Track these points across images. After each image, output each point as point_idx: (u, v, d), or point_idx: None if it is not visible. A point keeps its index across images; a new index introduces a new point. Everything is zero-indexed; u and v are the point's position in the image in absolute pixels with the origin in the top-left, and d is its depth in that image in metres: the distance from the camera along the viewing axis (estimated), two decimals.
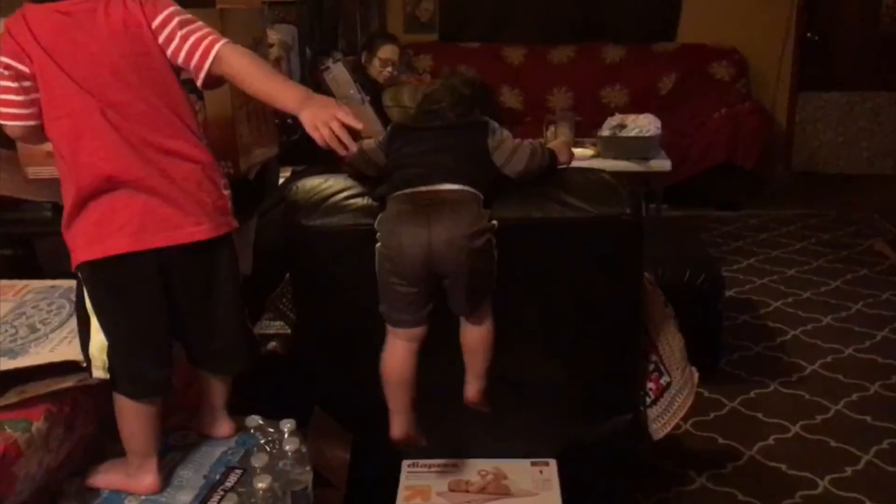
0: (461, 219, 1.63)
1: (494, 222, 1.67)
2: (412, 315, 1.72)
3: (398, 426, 1.82)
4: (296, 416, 1.93)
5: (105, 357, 1.42)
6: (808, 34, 5.73)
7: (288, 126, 2.44)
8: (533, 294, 1.82)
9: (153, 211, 1.42)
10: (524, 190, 1.76)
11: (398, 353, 1.77)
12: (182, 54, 1.44)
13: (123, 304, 1.42)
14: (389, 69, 3.93)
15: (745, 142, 4.97)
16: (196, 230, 1.46)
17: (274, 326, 2.05)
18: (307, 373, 2.00)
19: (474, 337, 1.76)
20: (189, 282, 1.49)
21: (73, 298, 1.55)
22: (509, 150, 1.76)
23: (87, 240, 1.41)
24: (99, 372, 1.42)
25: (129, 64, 1.43)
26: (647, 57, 5.72)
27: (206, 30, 1.48)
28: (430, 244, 1.63)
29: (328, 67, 3.26)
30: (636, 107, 5.34)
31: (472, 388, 1.80)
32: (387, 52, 3.91)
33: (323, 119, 1.43)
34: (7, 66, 1.42)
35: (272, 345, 2.03)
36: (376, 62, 3.86)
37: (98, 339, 1.42)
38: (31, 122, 1.46)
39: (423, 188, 1.68)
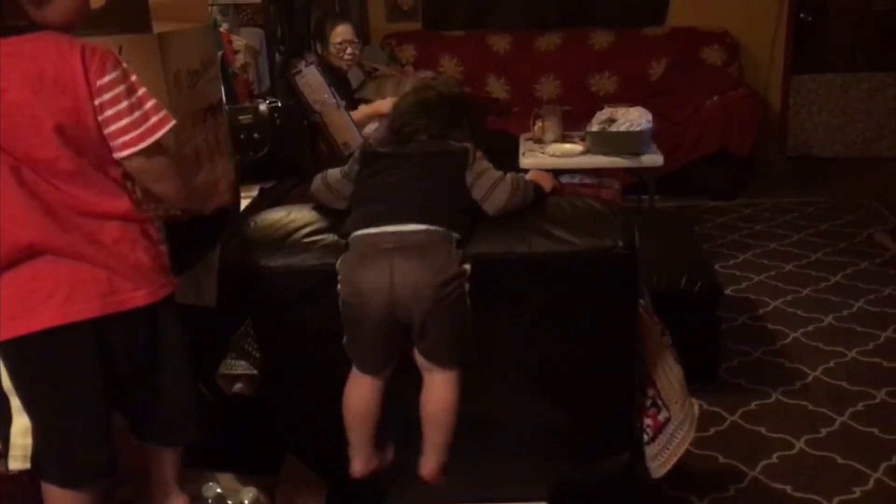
0: (428, 264, 1.49)
1: (467, 266, 1.53)
2: (374, 363, 1.59)
3: (359, 463, 1.69)
4: (266, 462, 1.80)
5: (28, 443, 1.25)
6: (801, 14, 5.56)
7: (254, 141, 2.27)
8: (519, 331, 1.67)
9: (83, 277, 1.26)
10: (506, 222, 1.60)
11: (362, 389, 1.64)
12: (120, 124, 1.29)
13: (55, 384, 1.27)
14: (349, 50, 3.58)
15: (739, 130, 4.83)
16: (134, 295, 1.30)
17: (239, 366, 1.89)
18: (276, 416, 1.85)
19: (432, 403, 1.60)
20: (129, 351, 1.33)
21: None
22: (489, 185, 1.60)
23: (9, 314, 1.24)
24: (17, 462, 1.26)
25: (53, 119, 1.26)
26: (636, 42, 5.54)
27: (152, 104, 1.32)
28: (391, 291, 1.49)
29: (300, 71, 3.08)
30: (626, 94, 5.20)
31: (430, 464, 1.64)
32: (339, 33, 3.55)
33: None
34: None
35: (238, 386, 1.88)
36: (332, 49, 3.54)
37: (21, 422, 1.26)
38: None
39: (389, 228, 1.52)
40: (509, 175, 1.63)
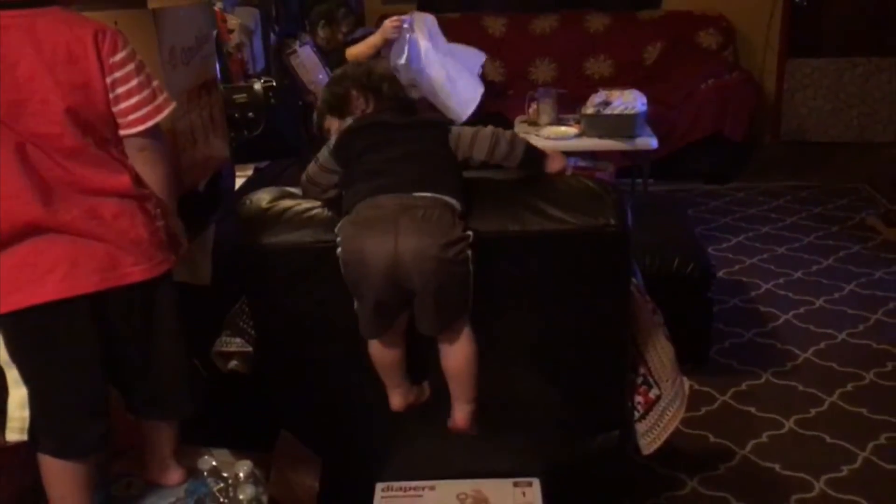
0: (433, 227, 1.49)
1: (469, 233, 1.53)
2: (376, 328, 1.60)
3: (396, 400, 1.73)
4: (261, 439, 1.82)
5: (25, 415, 1.26)
6: None
7: (249, 121, 2.27)
8: (512, 309, 1.69)
9: (83, 251, 1.28)
10: (500, 200, 1.61)
11: (378, 346, 1.66)
12: (131, 101, 1.32)
13: (54, 356, 1.28)
14: (348, 41, 3.74)
15: (734, 113, 4.85)
16: (134, 270, 1.31)
17: (234, 344, 1.90)
18: (271, 393, 1.87)
19: (455, 360, 1.62)
20: (127, 325, 1.34)
21: None
22: (468, 140, 1.62)
23: (7, 288, 1.25)
24: (15, 434, 1.27)
25: (62, 95, 1.27)
26: (632, 25, 5.55)
27: (157, 83, 1.37)
28: (396, 254, 1.48)
29: (295, 51, 3.08)
30: (621, 78, 5.20)
31: (460, 414, 1.69)
32: (348, 24, 3.74)
33: None
34: None
35: (233, 363, 1.89)
36: (340, 37, 3.67)
37: (18, 394, 1.26)
38: None
39: (393, 195, 1.53)
40: (489, 127, 1.66)
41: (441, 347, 1.62)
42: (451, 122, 1.68)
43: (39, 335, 1.28)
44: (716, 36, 5.38)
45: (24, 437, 1.27)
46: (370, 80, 1.71)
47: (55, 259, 1.27)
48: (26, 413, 1.27)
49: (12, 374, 1.29)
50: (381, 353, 1.67)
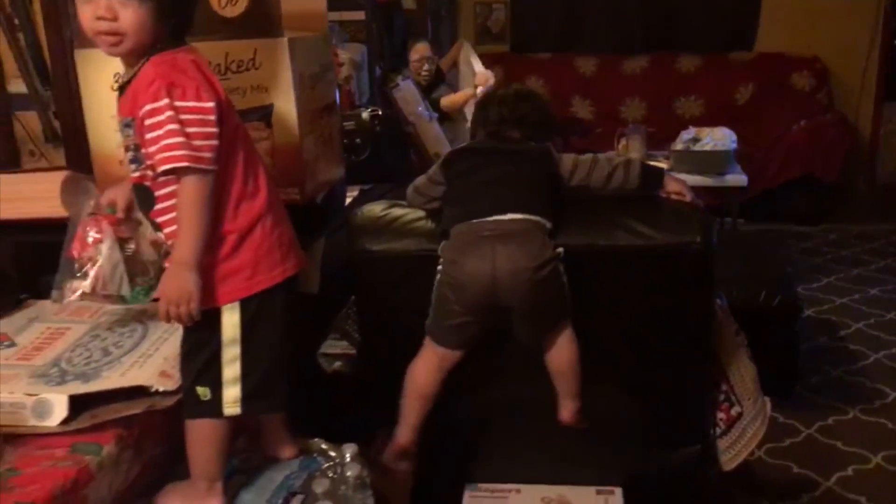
0: (526, 249, 1.61)
1: (560, 250, 1.65)
2: (458, 339, 1.71)
3: (404, 436, 1.82)
4: (360, 438, 1.95)
5: (238, 390, 1.43)
6: (895, 41, 5.50)
7: (356, 146, 2.46)
8: (599, 322, 1.78)
9: (291, 229, 1.52)
10: (590, 216, 1.73)
11: (429, 367, 1.77)
12: None
13: (284, 322, 1.48)
14: (427, 67, 3.92)
15: (826, 155, 4.82)
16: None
17: (339, 346, 2.06)
18: (371, 394, 2.01)
19: (558, 360, 1.73)
20: None
21: (146, 321, 1.59)
22: (586, 168, 1.74)
23: (268, 265, 1.44)
24: (230, 408, 1.43)
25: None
26: (723, 66, 5.59)
27: None
28: (494, 275, 1.61)
29: (397, 85, 3.29)
30: (711, 118, 5.24)
31: (567, 410, 1.78)
32: (418, 50, 3.91)
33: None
34: (217, 106, 1.35)
35: (337, 365, 2.05)
36: (412, 66, 3.86)
37: (232, 372, 1.43)
38: None
39: (488, 219, 1.66)
40: (599, 155, 1.78)
41: (545, 349, 1.72)
42: (555, 152, 1.79)
43: (283, 306, 1.47)
44: (809, 78, 5.38)
45: (239, 411, 1.43)
46: (510, 101, 1.87)
47: (290, 238, 1.50)
48: (238, 389, 1.43)
49: (231, 353, 1.42)
50: (429, 373, 1.76)
